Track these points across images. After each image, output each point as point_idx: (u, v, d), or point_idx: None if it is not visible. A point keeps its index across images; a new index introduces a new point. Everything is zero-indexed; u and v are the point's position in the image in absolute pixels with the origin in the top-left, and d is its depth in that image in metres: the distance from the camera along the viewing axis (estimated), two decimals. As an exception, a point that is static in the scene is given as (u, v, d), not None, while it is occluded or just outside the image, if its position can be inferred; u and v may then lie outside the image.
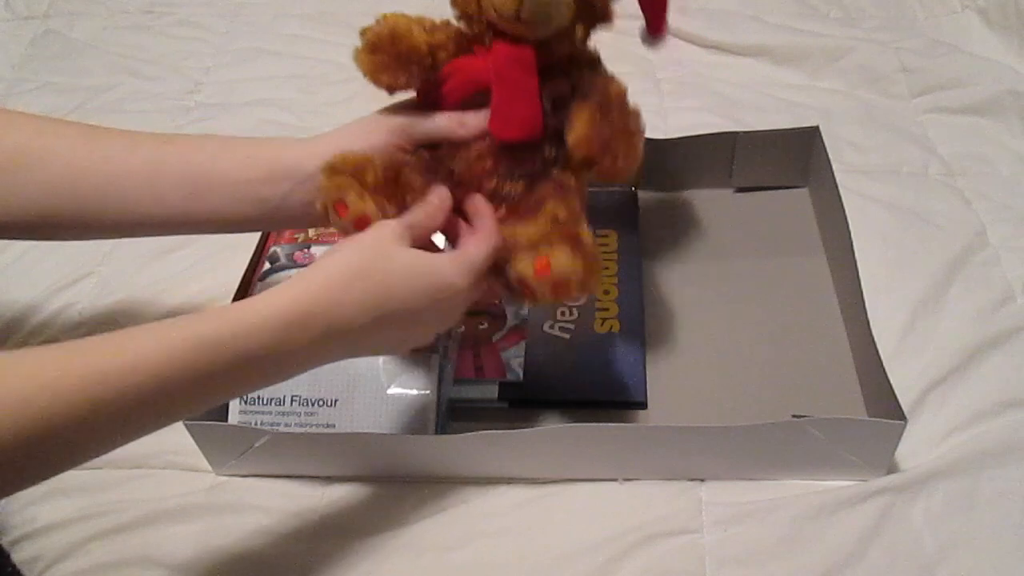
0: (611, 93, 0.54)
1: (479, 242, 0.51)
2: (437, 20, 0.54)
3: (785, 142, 0.77)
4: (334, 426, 0.62)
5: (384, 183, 0.52)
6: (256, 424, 0.62)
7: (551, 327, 0.69)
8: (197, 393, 0.44)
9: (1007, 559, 0.55)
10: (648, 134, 0.76)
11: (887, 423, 0.55)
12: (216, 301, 0.72)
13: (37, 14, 1.10)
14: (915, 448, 0.60)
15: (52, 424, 0.39)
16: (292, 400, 0.62)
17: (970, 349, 0.66)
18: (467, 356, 0.67)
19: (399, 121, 0.55)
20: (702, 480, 0.60)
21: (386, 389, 0.62)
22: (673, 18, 0.98)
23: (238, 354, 0.44)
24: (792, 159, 0.78)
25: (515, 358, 0.67)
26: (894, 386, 0.56)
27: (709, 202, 0.80)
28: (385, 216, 0.51)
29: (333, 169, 0.51)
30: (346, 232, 0.51)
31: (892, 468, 0.59)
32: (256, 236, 0.72)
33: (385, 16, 0.54)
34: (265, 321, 0.44)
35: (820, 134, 0.75)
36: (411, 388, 0.62)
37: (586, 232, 0.53)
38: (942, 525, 0.56)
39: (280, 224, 0.65)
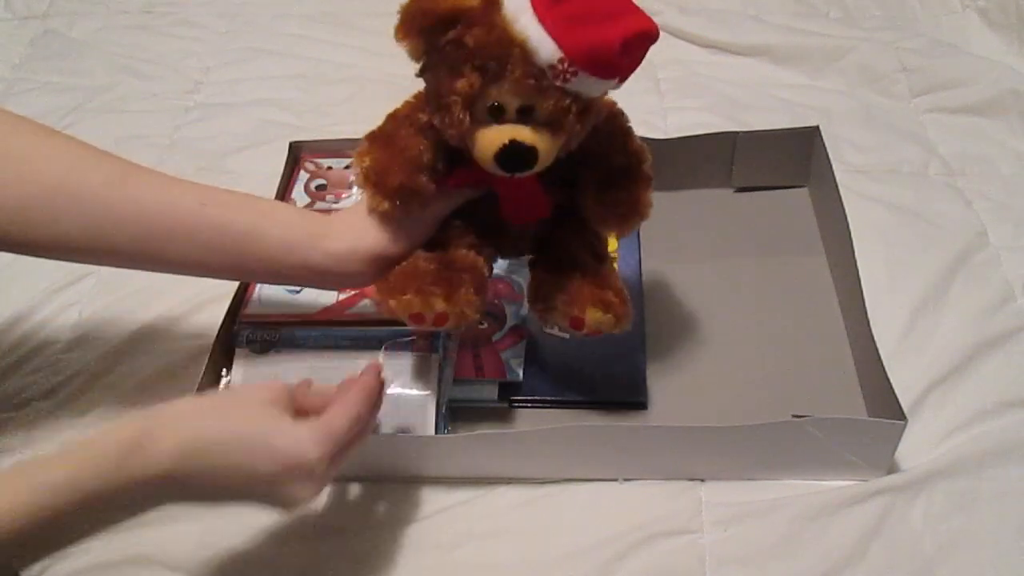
0: (615, 159, 0.56)
1: (339, 415, 0.49)
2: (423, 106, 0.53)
3: (785, 142, 0.77)
4: None
5: (437, 270, 0.54)
6: None
7: (551, 327, 0.69)
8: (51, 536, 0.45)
9: (1007, 559, 0.55)
10: (648, 134, 0.77)
11: (887, 423, 0.55)
12: (215, 301, 0.72)
13: (37, 14, 1.10)
14: (915, 448, 0.60)
15: None
16: None
17: (970, 349, 0.66)
18: (467, 356, 0.67)
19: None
20: (702, 480, 0.60)
21: (386, 390, 0.62)
22: (673, 18, 0.99)
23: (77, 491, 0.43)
24: (792, 159, 0.78)
25: (515, 358, 0.67)
26: (894, 386, 0.56)
27: (709, 202, 0.80)
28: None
29: (391, 289, 0.53)
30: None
31: (892, 468, 0.59)
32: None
33: (374, 144, 0.54)
34: (98, 457, 0.44)
35: (820, 134, 0.75)
36: (411, 388, 0.62)
37: (615, 278, 0.57)
38: (942, 525, 0.56)
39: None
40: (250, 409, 0.48)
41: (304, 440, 0.47)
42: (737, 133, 0.77)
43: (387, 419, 0.61)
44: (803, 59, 0.93)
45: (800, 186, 0.80)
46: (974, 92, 0.87)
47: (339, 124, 0.90)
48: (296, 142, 0.79)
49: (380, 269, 0.55)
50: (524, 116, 0.48)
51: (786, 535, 0.56)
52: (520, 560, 0.57)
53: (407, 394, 0.62)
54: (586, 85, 0.48)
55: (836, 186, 0.70)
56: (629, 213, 0.56)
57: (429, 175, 0.53)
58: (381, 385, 0.53)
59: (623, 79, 0.50)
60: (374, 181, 0.52)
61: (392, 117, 0.55)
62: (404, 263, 0.54)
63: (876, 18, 0.99)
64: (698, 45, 0.97)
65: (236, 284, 0.68)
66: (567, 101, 0.48)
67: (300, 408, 0.50)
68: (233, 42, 1.04)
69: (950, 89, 0.88)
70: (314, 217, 0.56)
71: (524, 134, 0.48)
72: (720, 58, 0.96)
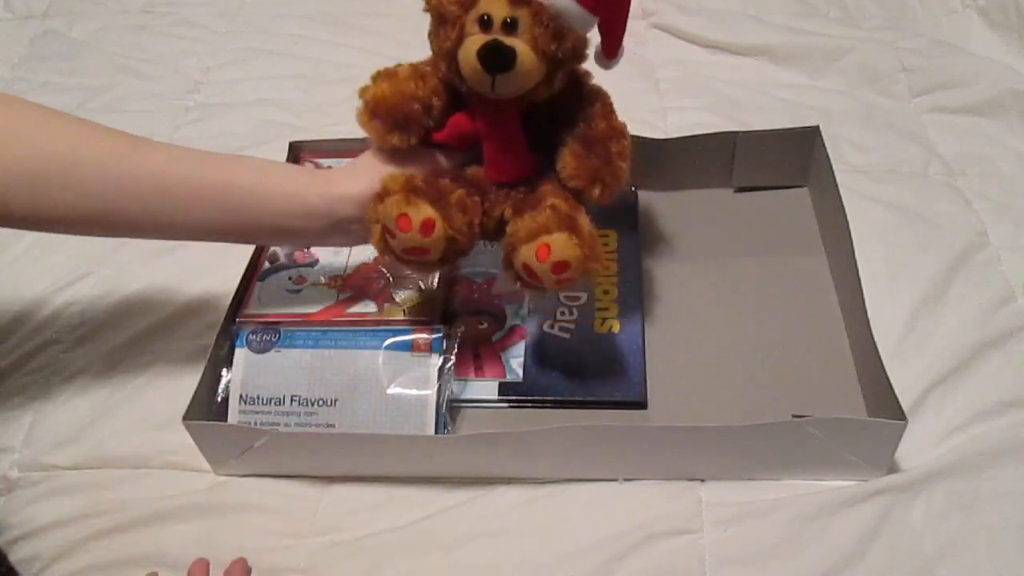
0: (595, 124, 0.58)
1: None
2: (425, 63, 0.58)
3: (785, 142, 0.77)
4: (334, 426, 0.62)
5: (429, 190, 0.55)
6: (255, 424, 0.62)
7: (551, 327, 0.69)
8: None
9: (1007, 559, 0.55)
10: (648, 134, 0.77)
11: (887, 423, 0.55)
12: (216, 301, 0.72)
13: (37, 14, 1.10)
14: (915, 448, 0.60)
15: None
16: (292, 400, 0.62)
17: (970, 349, 0.66)
18: (467, 356, 0.67)
19: (406, 155, 0.58)
20: (702, 480, 0.60)
21: (386, 389, 0.62)
22: (673, 18, 0.99)
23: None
24: (792, 159, 0.78)
25: (515, 358, 0.67)
26: (894, 386, 0.56)
27: (709, 202, 0.80)
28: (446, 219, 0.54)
29: (386, 190, 0.55)
30: (402, 257, 0.55)
31: (892, 468, 0.59)
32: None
33: (377, 79, 0.58)
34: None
35: (820, 134, 0.75)
36: (411, 388, 0.62)
37: (584, 218, 0.56)
38: (942, 525, 0.56)
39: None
40: None
41: None
42: (737, 133, 0.77)
43: (387, 419, 0.61)
44: (803, 59, 0.93)
45: (800, 186, 0.80)
46: (974, 92, 0.87)
47: (339, 124, 0.90)
48: (296, 142, 0.79)
49: None
50: (509, 29, 0.52)
51: (786, 535, 0.56)
52: (520, 560, 0.57)
53: (406, 394, 0.62)
54: (565, 7, 0.52)
55: (836, 186, 0.70)
56: (607, 176, 0.57)
57: (425, 111, 0.56)
58: None
59: (599, 15, 0.54)
60: (372, 108, 0.56)
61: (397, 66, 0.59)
62: None
63: (876, 18, 0.99)
64: (698, 45, 0.97)
65: (236, 284, 0.68)
66: (546, 18, 0.52)
67: None
68: (233, 42, 1.04)
69: (950, 89, 0.88)
70: (312, 169, 0.60)
71: (506, 39, 0.52)
72: (720, 58, 0.96)
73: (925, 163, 0.82)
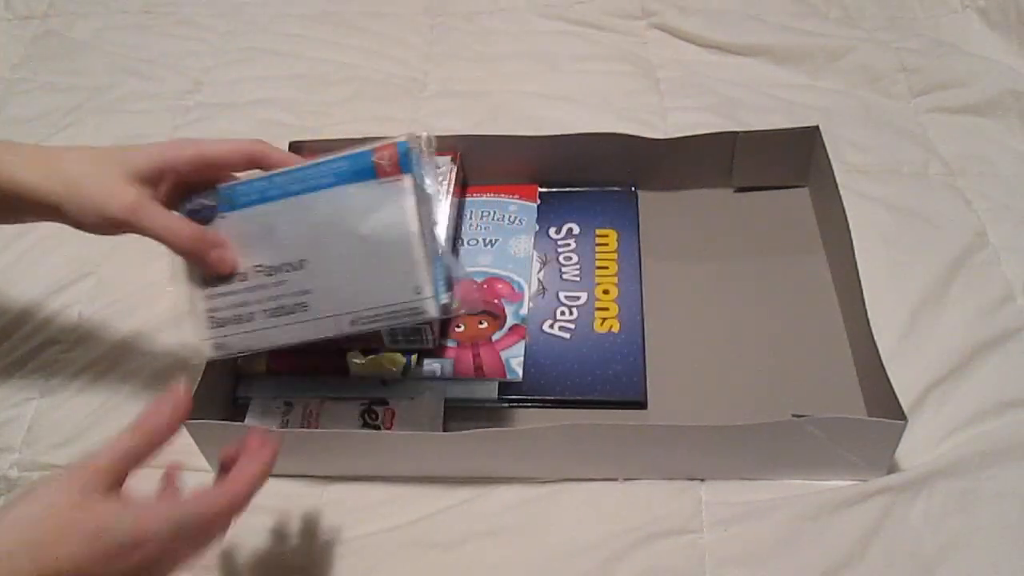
0: None
1: (204, 501, 0.45)
2: None
3: (785, 142, 0.77)
4: (309, 292, 0.54)
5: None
6: (226, 308, 0.56)
7: (551, 327, 0.69)
8: None
9: (1007, 559, 0.55)
10: (648, 134, 0.78)
11: (887, 423, 0.55)
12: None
13: (37, 14, 1.10)
14: (915, 448, 0.60)
15: None
16: (256, 272, 0.55)
17: (970, 349, 0.66)
18: (467, 356, 0.67)
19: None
20: (702, 480, 0.60)
21: (357, 231, 0.53)
22: (673, 18, 0.99)
23: None
24: (792, 159, 0.78)
25: (515, 358, 0.67)
26: (894, 386, 0.56)
27: (709, 202, 0.80)
28: None
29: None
30: None
31: (892, 468, 0.59)
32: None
33: None
34: None
35: (820, 134, 0.75)
36: (386, 223, 0.52)
37: None
38: (942, 525, 0.56)
39: None
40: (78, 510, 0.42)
41: (145, 529, 0.42)
42: (737, 133, 0.77)
43: (368, 270, 0.53)
44: (803, 59, 0.93)
45: (800, 186, 0.80)
46: (974, 92, 0.87)
47: (339, 124, 0.90)
48: (296, 142, 0.79)
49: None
50: None
51: (786, 535, 0.56)
52: (520, 560, 0.57)
53: (383, 233, 0.52)
54: None
55: (836, 186, 0.70)
56: None
57: None
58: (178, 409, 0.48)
59: None
60: None
61: None
62: None
63: (876, 18, 0.99)
64: (698, 45, 0.97)
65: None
66: None
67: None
68: (233, 42, 1.04)
69: (950, 89, 0.88)
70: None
71: None
72: (720, 58, 0.96)
73: (925, 163, 0.82)
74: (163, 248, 0.78)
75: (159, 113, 0.94)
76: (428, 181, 0.53)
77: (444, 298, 0.53)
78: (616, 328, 0.69)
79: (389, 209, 0.52)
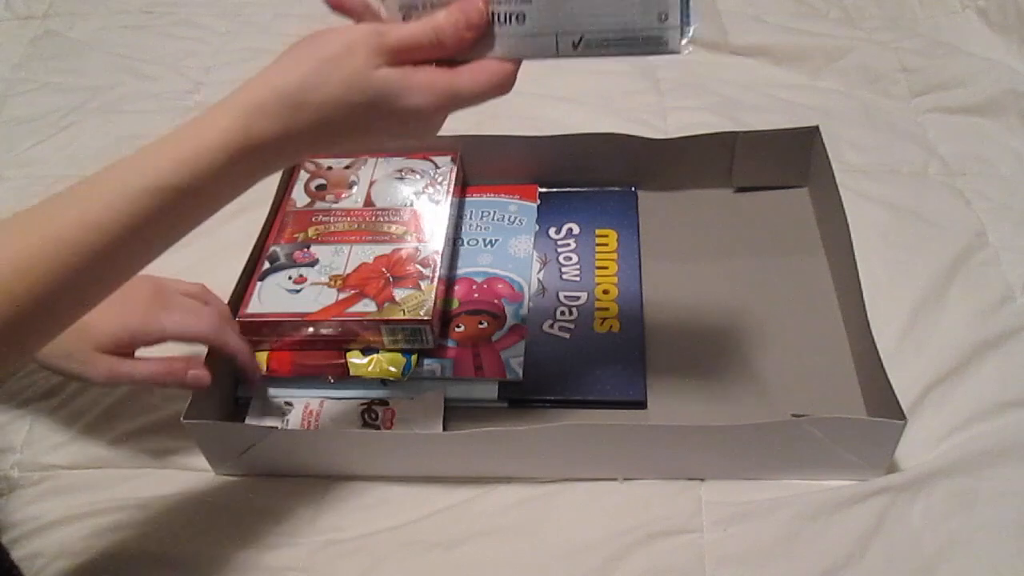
0: None
1: (473, 81, 0.46)
2: None
3: (785, 142, 0.77)
4: (531, 1, 0.46)
5: None
6: (425, 6, 0.47)
7: (551, 327, 0.70)
8: (157, 235, 0.44)
9: (1007, 559, 0.55)
10: (648, 134, 0.78)
11: (887, 422, 0.55)
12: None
13: (37, 14, 1.10)
14: (915, 448, 0.60)
15: (17, 296, 0.40)
16: None
17: (970, 349, 0.66)
18: (467, 356, 0.67)
19: None
20: (702, 480, 0.60)
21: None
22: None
23: (185, 192, 0.43)
24: (792, 159, 0.78)
25: (515, 358, 0.67)
26: (893, 385, 0.56)
27: (709, 202, 0.80)
28: None
29: None
30: None
31: (892, 468, 0.59)
32: (256, 236, 0.72)
33: None
34: (204, 156, 0.43)
35: (820, 134, 0.75)
36: None
37: None
38: (942, 525, 0.56)
39: None
40: (355, 70, 0.44)
41: (418, 93, 0.44)
42: (737, 133, 0.77)
43: None
44: (803, 59, 0.93)
45: (800, 186, 0.80)
46: (974, 92, 0.87)
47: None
48: (296, 142, 0.79)
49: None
50: None
51: (786, 535, 0.56)
52: (520, 560, 0.57)
53: None
54: None
55: (836, 186, 0.70)
56: None
57: None
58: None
59: None
60: None
61: None
62: None
63: (876, 18, 0.99)
64: (698, 45, 0.97)
65: (235, 283, 0.68)
66: None
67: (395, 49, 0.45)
68: (233, 42, 1.04)
69: (950, 89, 0.88)
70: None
71: None
72: (720, 58, 0.96)
73: (925, 163, 0.82)
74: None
75: (159, 113, 0.94)
76: None
77: (689, 31, 0.46)
78: (616, 328, 0.69)
79: None
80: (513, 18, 0.47)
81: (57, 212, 0.42)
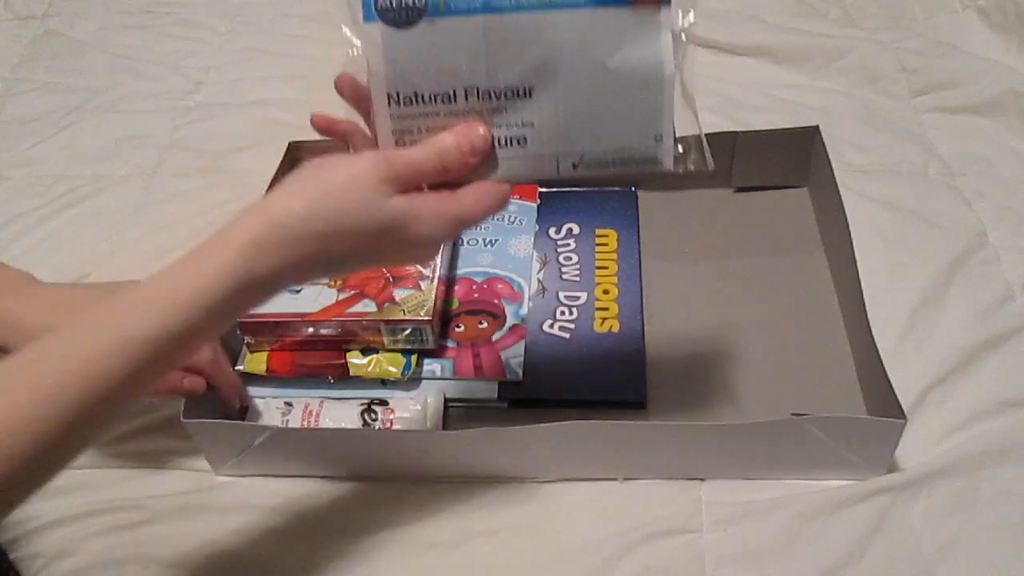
0: None
1: (476, 203, 0.46)
2: None
3: (785, 142, 0.77)
4: (532, 125, 0.47)
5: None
6: (418, 132, 0.47)
7: (551, 327, 0.69)
8: (156, 374, 0.42)
9: (1007, 559, 0.55)
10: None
11: (887, 422, 0.55)
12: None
13: (37, 14, 1.10)
14: (915, 447, 0.60)
15: (12, 454, 0.38)
16: (467, 94, 0.46)
17: (970, 349, 0.66)
18: (467, 356, 0.67)
19: None
20: (702, 479, 0.60)
21: (606, 62, 0.45)
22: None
23: (186, 334, 0.41)
24: (792, 159, 0.78)
25: (515, 358, 0.67)
26: (894, 385, 0.56)
27: (709, 202, 0.80)
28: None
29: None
30: None
31: (892, 467, 0.59)
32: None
33: None
34: (204, 298, 0.41)
35: (820, 134, 0.75)
36: (638, 58, 0.46)
37: None
38: (942, 525, 0.56)
39: None
40: (364, 200, 0.43)
41: (427, 221, 0.44)
42: (737, 133, 0.77)
43: (607, 105, 0.46)
44: (803, 59, 0.93)
45: (800, 186, 0.80)
46: (974, 92, 0.87)
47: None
48: (296, 142, 0.79)
49: None
50: None
51: (786, 534, 0.56)
52: (520, 560, 0.57)
53: (633, 68, 0.45)
54: None
55: (836, 186, 0.70)
56: None
57: None
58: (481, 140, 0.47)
59: None
60: None
61: None
62: None
63: (876, 18, 0.99)
64: (698, 45, 0.97)
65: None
66: None
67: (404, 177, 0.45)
68: (233, 42, 1.04)
69: (950, 89, 0.88)
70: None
71: None
72: (720, 58, 0.96)
73: (925, 163, 0.82)
74: (161, 249, 0.79)
75: (159, 113, 0.94)
76: (680, 20, 0.46)
77: (679, 148, 0.48)
78: (616, 328, 0.69)
79: (643, 43, 0.45)
80: (515, 141, 0.47)
81: (50, 366, 0.40)
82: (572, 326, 0.69)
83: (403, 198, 0.44)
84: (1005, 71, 0.88)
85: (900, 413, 0.54)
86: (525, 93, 0.46)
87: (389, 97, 0.47)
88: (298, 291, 0.68)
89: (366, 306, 0.66)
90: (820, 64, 0.93)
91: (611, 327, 0.69)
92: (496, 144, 0.47)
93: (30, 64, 1.03)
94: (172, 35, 1.06)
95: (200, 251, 0.42)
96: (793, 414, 0.58)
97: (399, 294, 0.66)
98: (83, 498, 0.61)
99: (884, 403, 0.57)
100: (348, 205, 0.43)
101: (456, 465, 0.60)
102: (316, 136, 0.81)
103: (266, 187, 0.78)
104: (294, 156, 0.79)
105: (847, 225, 0.67)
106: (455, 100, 0.46)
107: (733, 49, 0.96)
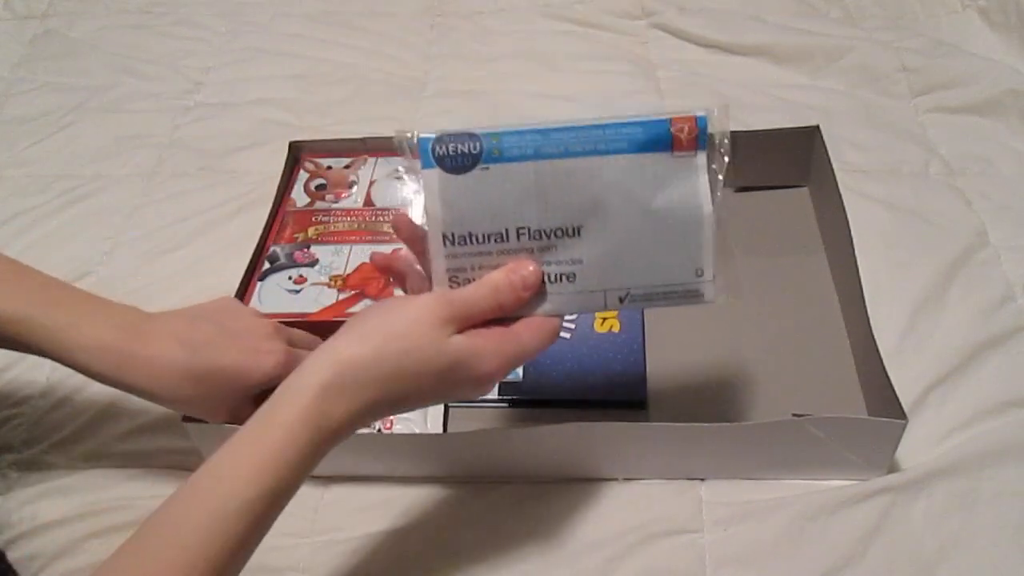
0: None
1: (532, 339, 0.48)
2: None
3: (785, 142, 0.77)
4: (581, 262, 0.49)
5: None
6: (473, 270, 0.49)
7: (551, 327, 0.69)
8: (259, 535, 0.45)
9: (1007, 559, 0.55)
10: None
11: (888, 422, 0.55)
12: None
13: (37, 14, 1.10)
14: (915, 448, 0.60)
15: None
16: (519, 234, 0.49)
17: (970, 349, 0.65)
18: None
19: None
20: (702, 479, 0.60)
21: (648, 204, 0.49)
22: (673, 18, 0.99)
23: (277, 491, 0.44)
24: (792, 159, 0.78)
25: (515, 358, 0.67)
26: (894, 385, 0.56)
27: (709, 202, 0.80)
28: None
29: None
30: None
31: (892, 467, 0.59)
32: (256, 236, 0.72)
33: None
34: (289, 450, 0.43)
35: (820, 134, 0.75)
36: (681, 200, 0.49)
37: None
38: (942, 525, 0.56)
39: None
40: (427, 342, 0.45)
41: (490, 368, 0.47)
42: (737, 133, 0.77)
43: (651, 244, 0.49)
44: (803, 59, 0.93)
45: (800, 186, 0.80)
46: (974, 92, 0.87)
47: (339, 124, 0.90)
48: (296, 142, 0.79)
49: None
50: None
51: (786, 535, 0.56)
52: (520, 560, 0.57)
53: (675, 208, 0.49)
54: None
55: (836, 186, 0.70)
56: None
57: None
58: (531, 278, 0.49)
59: None
60: None
61: None
62: None
63: (876, 18, 0.99)
64: (698, 45, 0.97)
65: (236, 283, 0.68)
66: None
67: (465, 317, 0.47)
68: (233, 42, 1.04)
69: (950, 89, 0.88)
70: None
71: None
72: (720, 58, 0.96)
73: (925, 163, 0.82)
74: (161, 249, 0.79)
75: (159, 113, 0.94)
76: (714, 162, 0.50)
77: (721, 281, 0.51)
78: (616, 328, 0.69)
79: (683, 184, 0.49)
80: (564, 278, 0.50)
81: (151, 555, 0.42)
82: (572, 326, 0.69)
83: (463, 337, 0.46)
84: (1006, 71, 0.88)
85: (901, 413, 0.54)
86: (574, 232, 0.49)
87: (444, 238, 0.48)
88: (298, 291, 0.68)
89: (366, 306, 0.66)
90: (820, 64, 0.93)
91: (611, 327, 0.69)
92: (546, 280, 0.49)
93: (30, 64, 1.03)
94: (172, 35, 1.06)
95: (272, 406, 0.44)
96: (793, 414, 0.58)
97: (399, 294, 0.66)
98: (82, 498, 0.61)
99: (884, 403, 0.57)
100: (411, 346, 0.45)
101: (457, 465, 0.60)
102: (315, 136, 0.81)
103: (265, 186, 0.78)
104: (296, 156, 0.79)
105: (847, 225, 0.67)
106: (507, 239, 0.49)
107: (733, 49, 0.96)
